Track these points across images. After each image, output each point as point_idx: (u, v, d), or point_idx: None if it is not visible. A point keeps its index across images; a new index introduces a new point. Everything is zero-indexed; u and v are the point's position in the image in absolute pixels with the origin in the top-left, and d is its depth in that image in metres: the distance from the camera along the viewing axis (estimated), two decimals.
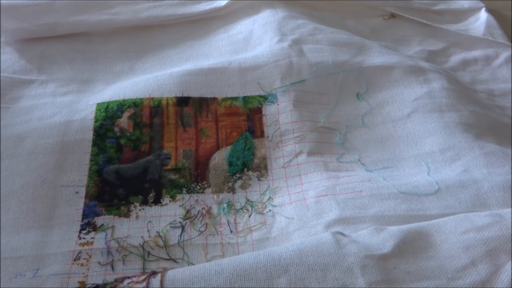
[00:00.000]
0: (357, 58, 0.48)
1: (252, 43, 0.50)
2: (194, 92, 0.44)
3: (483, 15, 0.57)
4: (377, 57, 0.48)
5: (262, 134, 0.42)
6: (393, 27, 0.57)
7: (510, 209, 0.34)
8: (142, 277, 0.30)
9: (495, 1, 0.60)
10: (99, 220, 0.37)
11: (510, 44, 0.54)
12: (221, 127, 0.43)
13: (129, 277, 0.31)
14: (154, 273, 0.30)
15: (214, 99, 0.44)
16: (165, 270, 0.31)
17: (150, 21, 0.52)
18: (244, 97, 0.44)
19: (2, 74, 0.46)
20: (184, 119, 0.43)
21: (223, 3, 0.53)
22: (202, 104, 0.43)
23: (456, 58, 0.53)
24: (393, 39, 0.56)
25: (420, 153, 0.41)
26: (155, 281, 0.29)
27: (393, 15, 0.58)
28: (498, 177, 0.38)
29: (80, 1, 0.51)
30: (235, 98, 0.44)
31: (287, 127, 0.43)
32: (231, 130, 0.42)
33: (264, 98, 0.44)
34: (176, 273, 0.30)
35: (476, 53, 0.54)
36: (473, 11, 0.59)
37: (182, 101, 0.43)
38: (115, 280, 0.31)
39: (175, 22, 0.53)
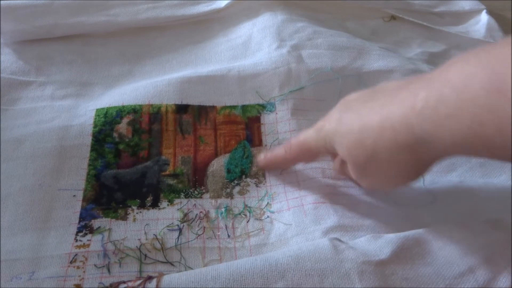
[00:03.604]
0: (357, 63, 0.47)
1: (251, 49, 0.50)
2: (193, 100, 0.44)
3: (484, 17, 0.57)
4: (376, 60, 0.48)
5: (260, 143, 0.42)
6: (393, 29, 0.57)
7: (509, 215, 0.33)
8: (138, 282, 0.30)
9: (494, 1, 0.60)
10: (96, 223, 0.36)
11: None
12: (220, 135, 0.43)
13: (124, 282, 0.31)
14: (149, 278, 0.30)
15: (213, 107, 0.44)
16: (161, 275, 0.30)
17: (149, 22, 0.52)
18: (243, 106, 0.44)
19: (1, 75, 0.46)
20: (183, 126, 0.42)
21: (222, 4, 0.53)
22: (201, 112, 0.43)
23: None
24: (393, 41, 0.55)
25: None
26: (151, 286, 0.29)
27: (393, 17, 0.58)
28: (495, 187, 0.37)
29: (79, 1, 0.50)
30: (234, 107, 0.44)
31: (285, 136, 0.43)
32: (229, 139, 0.42)
33: (263, 107, 0.44)
34: (172, 278, 0.30)
35: None
36: (474, 13, 0.58)
37: (181, 109, 0.43)
38: (110, 285, 0.31)
39: (174, 24, 0.53)
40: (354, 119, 0.31)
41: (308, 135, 0.36)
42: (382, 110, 0.30)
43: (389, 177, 0.32)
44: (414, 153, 0.29)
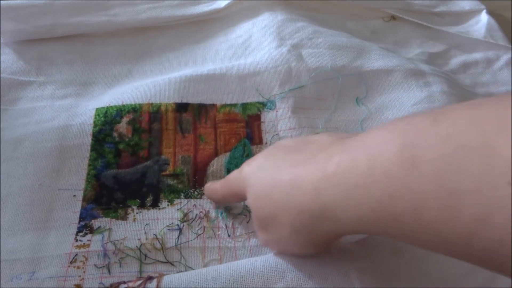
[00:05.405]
0: (357, 62, 0.47)
1: (251, 48, 0.50)
2: (193, 99, 0.44)
3: (483, 17, 0.57)
4: (376, 60, 0.48)
5: (260, 141, 0.42)
6: (393, 29, 0.57)
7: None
8: (138, 282, 0.30)
9: (494, 1, 0.60)
10: (96, 223, 0.36)
11: (511, 46, 0.53)
12: (220, 134, 0.42)
13: (124, 282, 0.31)
14: (150, 278, 0.30)
15: (213, 105, 0.44)
16: (161, 275, 0.30)
17: (150, 22, 0.52)
18: (243, 104, 0.44)
19: (1, 75, 0.46)
20: (183, 125, 0.42)
21: (222, 4, 0.53)
22: (201, 110, 0.43)
23: (456, 60, 0.53)
24: (393, 41, 0.55)
25: None
26: (151, 286, 0.29)
27: (393, 17, 0.58)
28: None
29: (79, 1, 0.50)
30: (234, 105, 0.44)
31: (286, 134, 0.42)
32: (229, 137, 0.42)
33: (263, 104, 0.44)
34: (172, 279, 0.30)
35: (477, 55, 0.54)
36: (474, 13, 0.58)
37: (181, 107, 0.43)
38: (111, 285, 0.31)
39: (174, 24, 0.53)
40: (271, 169, 0.29)
41: (233, 174, 0.33)
42: (298, 166, 0.27)
43: (285, 242, 0.29)
44: (316, 223, 0.25)
